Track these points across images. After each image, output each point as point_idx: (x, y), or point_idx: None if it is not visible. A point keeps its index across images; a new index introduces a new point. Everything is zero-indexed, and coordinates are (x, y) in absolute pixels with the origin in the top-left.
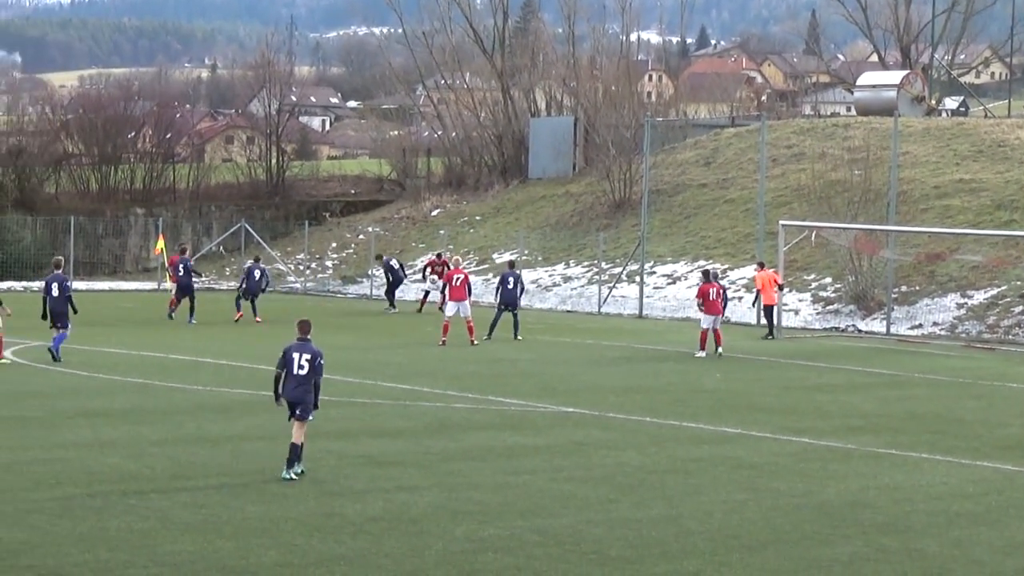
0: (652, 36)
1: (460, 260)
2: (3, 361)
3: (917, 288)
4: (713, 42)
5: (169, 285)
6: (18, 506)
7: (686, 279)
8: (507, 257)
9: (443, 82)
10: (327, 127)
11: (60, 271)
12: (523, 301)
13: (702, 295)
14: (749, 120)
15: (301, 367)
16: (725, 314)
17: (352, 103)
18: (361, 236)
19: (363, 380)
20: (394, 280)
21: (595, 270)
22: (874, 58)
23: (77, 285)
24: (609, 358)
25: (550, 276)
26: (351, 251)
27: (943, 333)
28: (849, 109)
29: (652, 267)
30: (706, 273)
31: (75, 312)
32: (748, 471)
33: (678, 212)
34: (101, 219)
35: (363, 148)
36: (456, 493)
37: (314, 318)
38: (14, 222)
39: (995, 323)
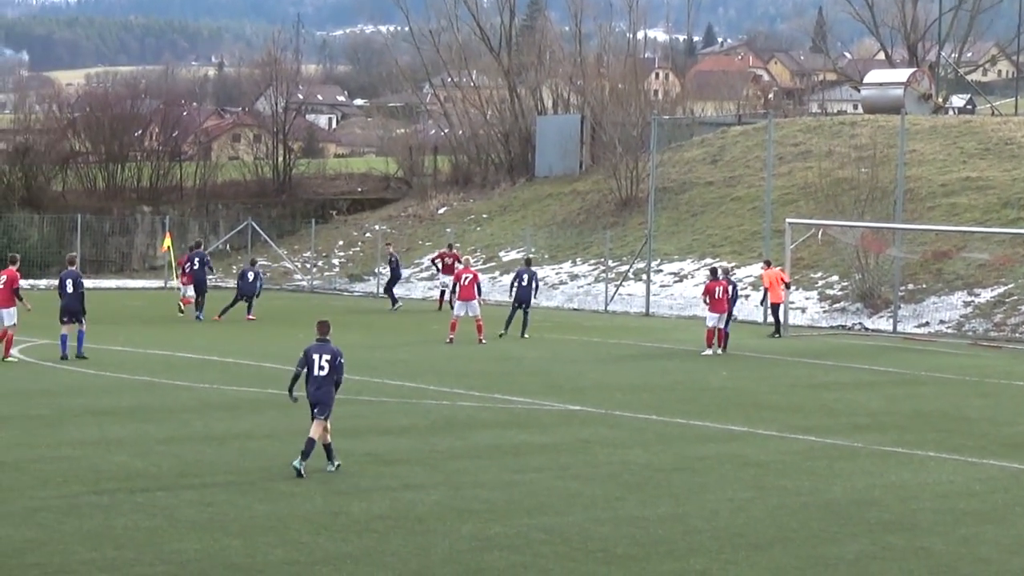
0: (659, 34)
1: (471, 260)
2: (9, 359)
3: (924, 286)
4: (720, 40)
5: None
6: (25, 504)
7: (693, 277)
8: (514, 255)
9: (450, 80)
10: (334, 125)
11: (74, 268)
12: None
13: (707, 293)
14: (756, 118)
15: (322, 368)
16: (733, 312)
17: (359, 101)
18: (368, 234)
19: (369, 378)
20: (395, 276)
21: (602, 268)
22: (881, 56)
23: (84, 283)
24: (616, 356)
25: (557, 274)
26: (358, 249)
27: (950, 331)
28: (856, 107)
29: (659, 265)
30: (713, 271)
31: (82, 312)
32: (754, 469)
33: (685, 210)
34: (108, 217)
35: (370, 146)
36: (462, 491)
37: (320, 316)
38: (21, 220)
39: (1002, 321)
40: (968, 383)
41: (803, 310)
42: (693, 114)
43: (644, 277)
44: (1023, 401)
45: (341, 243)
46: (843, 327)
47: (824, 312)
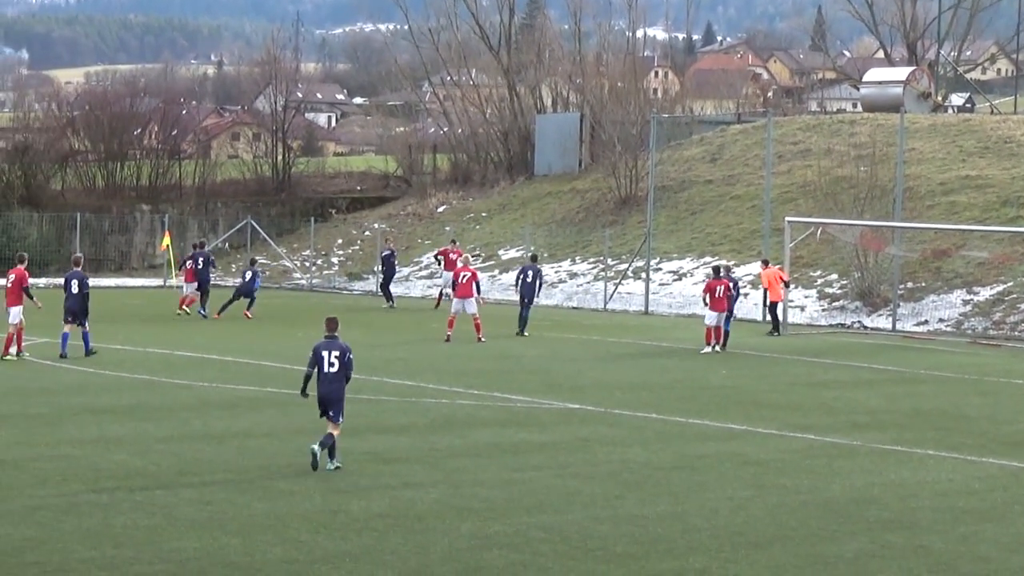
0: (658, 32)
1: (470, 258)
2: (8, 358)
3: (923, 284)
4: (719, 38)
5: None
6: (24, 503)
7: (692, 275)
8: (513, 254)
9: (449, 79)
10: (333, 124)
11: (79, 268)
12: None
13: (708, 291)
14: (755, 116)
15: (332, 364)
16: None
17: (358, 100)
18: (367, 232)
19: (368, 376)
20: (390, 273)
21: (601, 266)
22: (880, 54)
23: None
24: (615, 355)
25: (556, 272)
26: (357, 247)
27: (949, 329)
28: (855, 105)
29: (658, 263)
30: (715, 269)
31: (85, 313)
32: (754, 468)
33: (684, 208)
34: (107, 216)
35: (369, 145)
36: (461, 490)
37: (320, 315)
38: (20, 219)
39: (1001, 319)
40: (967, 381)
41: (802, 308)
42: (692, 112)
43: (643, 275)
44: (1022, 399)
45: (340, 242)
46: (842, 325)
47: (823, 310)
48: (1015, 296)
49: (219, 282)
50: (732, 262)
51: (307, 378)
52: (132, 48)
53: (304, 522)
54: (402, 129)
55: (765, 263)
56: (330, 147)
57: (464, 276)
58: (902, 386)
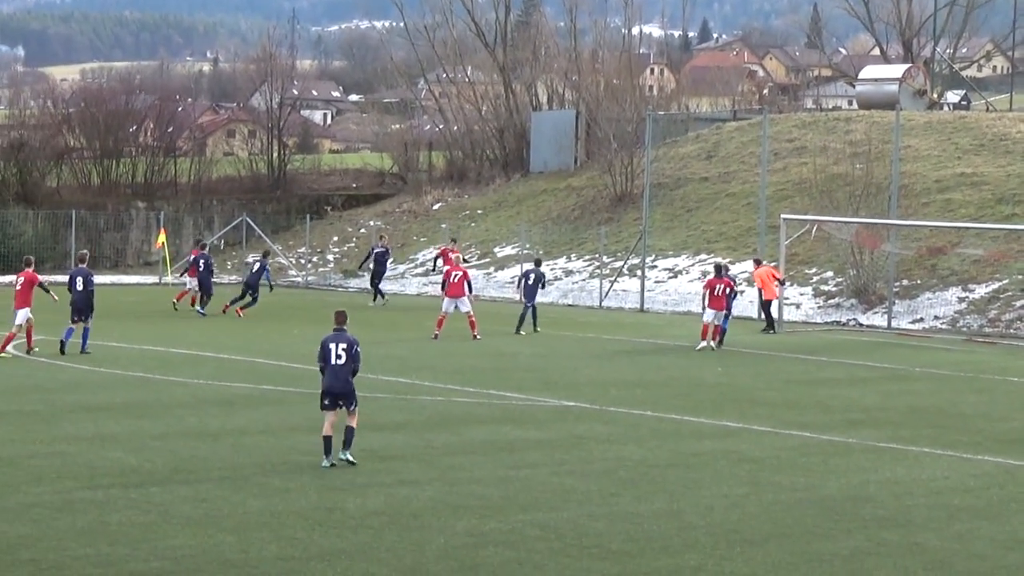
0: (654, 30)
1: (462, 257)
2: (3, 355)
3: (918, 282)
4: (715, 36)
5: (171, 279)
6: (19, 500)
7: (687, 273)
8: (509, 251)
9: (445, 76)
10: (329, 121)
11: (85, 265)
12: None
13: (708, 288)
14: (751, 114)
15: (339, 356)
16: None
17: (354, 97)
18: (362, 230)
19: (364, 374)
20: (380, 269)
21: (596, 264)
22: (876, 52)
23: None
24: (610, 352)
25: (551, 270)
26: (353, 245)
27: (944, 327)
28: (851, 103)
29: (653, 261)
30: (717, 267)
31: (91, 310)
32: (749, 465)
33: (679, 206)
34: (102, 213)
35: (365, 142)
36: (457, 487)
37: (315, 312)
38: (15, 216)
39: (996, 317)
40: (963, 379)
41: (798, 306)
42: (688, 110)
43: (639, 273)
44: (1018, 397)
45: (336, 239)
46: (838, 323)
47: (819, 308)
48: (1010, 294)
49: (215, 279)
50: (728, 260)
51: (323, 372)
52: (128, 45)
53: (300, 519)
54: (398, 126)
55: (757, 262)
56: (326, 144)
57: (455, 275)
58: (897, 384)
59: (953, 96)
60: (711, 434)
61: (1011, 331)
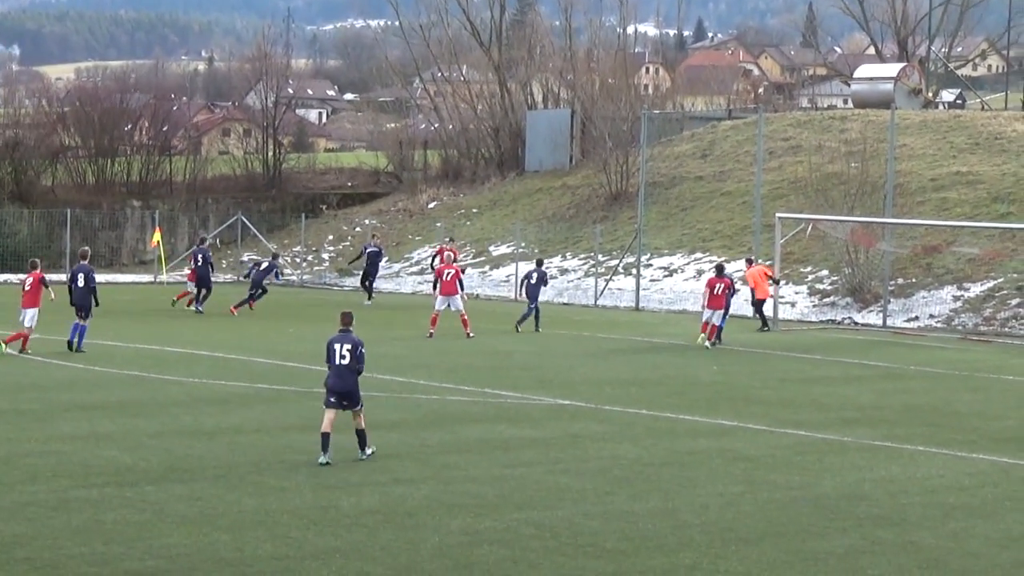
0: (649, 29)
1: (453, 255)
2: (9, 351)
3: (914, 280)
4: (710, 35)
5: (166, 277)
6: (15, 499)
7: (682, 272)
8: (504, 250)
9: (440, 75)
10: (324, 120)
11: (86, 262)
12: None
13: (708, 287)
14: (746, 113)
15: (343, 356)
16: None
17: (349, 96)
18: (358, 228)
19: None
20: (371, 269)
21: (592, 263)
22: (871, 51)
23: (57, 277)
24: (606, 351)
25: (546, 269)
26: (348, 244)
27: (939, 326)
28: (846, 102)
29: (649, 260)
30: (718, 267)
31: (96, 304)
32: (744, 464)
33: (675, 204)
34: (98, 212)
35: (360, 141)
36: (452, 486)
37: (310, 311)
38: (10, 215)
39: (991, 315)
40: (958, 377)
41: (793, 304)
42: (683, 109)
43: (634, 271)
44: (1013, 396)
45: (331, 237)
46: (833, 321)
47: (814, 306)
48: (1005, 292)
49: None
50: (723, 258)
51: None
52: (123, 44)
53: (294, 518)
54: (393, 125)
55: (749, 262)
56: (321, 143)
57: (448, 273)
58: (892, 382)
59: (948, 95)
60: (706, 432)
61: (1006, 330)
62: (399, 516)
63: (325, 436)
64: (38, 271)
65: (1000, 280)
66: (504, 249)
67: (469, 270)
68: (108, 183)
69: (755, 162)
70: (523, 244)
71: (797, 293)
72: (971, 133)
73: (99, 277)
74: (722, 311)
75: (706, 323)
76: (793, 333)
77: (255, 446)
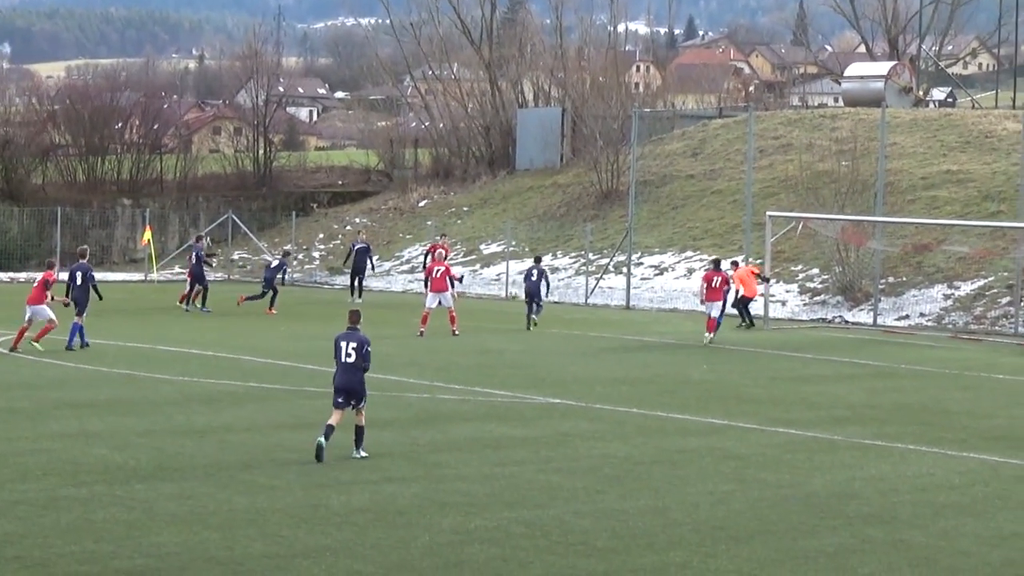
0: (640, 27)
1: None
2: (36, 345)
3: (904, 279)
4: (701, 33)
5: (156, 276)
6: (4, 497)
7: (673, 270)
8: (495, 248)
9: (431, 73)
10: (314, 118)
11: (85, 260)
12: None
13: (705, 281)
14: (737, 111)
15: (348, 355)
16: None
17: (340, 94)
18: (348, 227)
19: None
20: (358, 266)
21: (582, 261)
22: (862, 49)
23: (63, 276)
24: (596, 349)
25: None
26: (338, 242)
27: (930, 324)
28: (837, 100)
29: (639, 258)
30: (715, 261)
31: (100, 298)
32: (735, 462)
33: (665, 203)
34: (88, 210)
35: (350, 139)
36: (443, 484)
37: (301, 309)
38: (1, 213)
39: (982, 314)
40: (948, 376)
41: (783, 303)
42: (674, 107)
43: (625, 270)
44: (1003, 394)
45: (321, 236)
46: (823, 320)
47: (804, 305)
48: (996, 291)
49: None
50: (714, 257)
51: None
52: (113, 42)
53: (285, 516)
54: (383, 123)
55: (735, 264)
56: (311, 141)
57: (438, 271)
58: (883, 381)
59: (939, 93)
60: (696, 431)
61: (996, 328)
62: (389, 514)
63: (330, 426)
64: (48, 272)
65: (990, 279)
66: (494, 248)
67: (458, 269)
68: (98, 181)
69: (746, 160)
70: (514, 243)
71: (788, 292)
72: (961, 132)
73: None
74: (720, 303)
75: (709, 318)
76: (783, 332)
77: (245, 444)
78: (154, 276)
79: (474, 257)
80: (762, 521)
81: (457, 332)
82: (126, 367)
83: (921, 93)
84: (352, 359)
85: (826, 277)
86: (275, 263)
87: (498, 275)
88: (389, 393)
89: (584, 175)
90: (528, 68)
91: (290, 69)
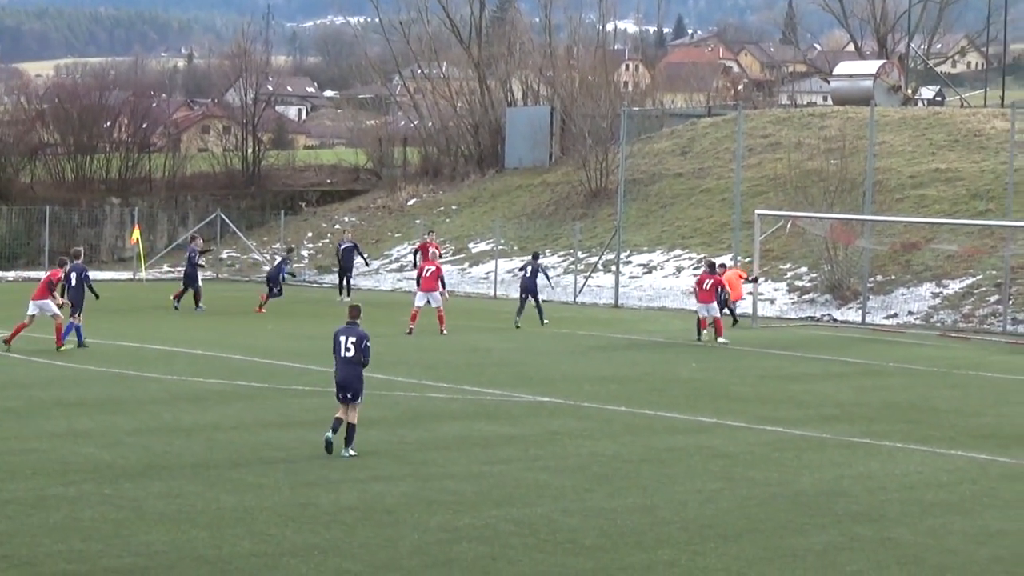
0: (629, 26)
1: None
2: (63, 348)
3: (893, 277)
4: (690, 32)
5: (145, 275)
6: None
7: (662, 269)
8: (484, 247)
9: (420, 72)
10: (303, 117)
11: (79, 261)
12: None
13: (698, 284)
14: (726, 110)
15: (348, 349)
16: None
17: (329, 93)
18: (337, 226)
19: None
20: (345, 265)
21: (571, 259)
22: (851, 48)
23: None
24: (585, 347)
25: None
26: (327, 241)
27: (918, 322)
28: (826, 99)
29: (628, 257)
30: (710, 264)
31: (96, 297)
32: (723, 460)
33: (654, 202)
34: (76, 209)
35: (339, 138)
36: (431, 483)
37: (289, 308)
38: None
39: (970, 312)
40: (936, 374)
41: (772, 301)
42: (663, 106)
43: (613, 268)
44: (991, 392)
45: (310, 235)
46: (812, 318)
47: (793, 303)
48: (984, 289)
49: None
50: (702, 255)
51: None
52: (102, 41)
53: (273, 515)
54: (372, 122)
55: (723, 267)
56: (300, 140)
57: (428, 270)
58: (871, 379)
59: (927, 92)
60: (685, 429)
61: (984, 327)
62: (378, 513)
63: (338, 420)
64: (56, 270)
65: (979, 277)
66: (483, 246)
67: (447, 267)
68: (87, 180)
69: (735, 159)
70: (503, 241)
71: (776, 290)
72: (950, 130)
73: None
74: (714, 304)
75: (703, 320)
76: (772, 330)
77: (233, 443)
78: (143, 275)
79: (463, 256)
80: (750, 519)
81: (445, 331)
82: (114, 366)
83: (910, 92)
84: (351, 353)
85: (815, 275)
86: (278, 260)
87: (487, 274)
88: (377, 391)
89: (573, 174)
90: (517, 67)
91: (279, 68)
